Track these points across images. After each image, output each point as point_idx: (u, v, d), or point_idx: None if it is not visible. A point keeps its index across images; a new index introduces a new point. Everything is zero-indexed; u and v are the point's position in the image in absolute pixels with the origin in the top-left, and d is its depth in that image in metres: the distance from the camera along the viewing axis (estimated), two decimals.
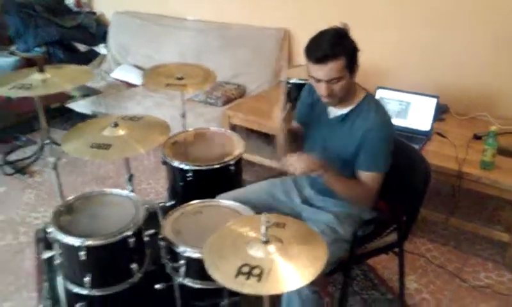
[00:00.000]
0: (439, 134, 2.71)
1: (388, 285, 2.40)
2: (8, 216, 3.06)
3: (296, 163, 1.70)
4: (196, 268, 1.77)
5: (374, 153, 1.77)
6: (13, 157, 3.71)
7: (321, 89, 1.72)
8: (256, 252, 1.37)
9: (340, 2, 3.07)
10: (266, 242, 1.40)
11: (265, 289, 1.27)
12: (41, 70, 2.04)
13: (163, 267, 1.89)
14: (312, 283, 1.67)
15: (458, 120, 2.91)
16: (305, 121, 2.01)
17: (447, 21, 2.95)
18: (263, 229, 1.40)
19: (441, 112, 2.89)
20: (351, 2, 3.01)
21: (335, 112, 1.87)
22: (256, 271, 1.30)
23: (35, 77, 2.02)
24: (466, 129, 2.76)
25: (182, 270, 1.78)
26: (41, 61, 2.12)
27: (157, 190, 3.27)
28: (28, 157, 3.66)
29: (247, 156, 3.03)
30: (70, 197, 1.96)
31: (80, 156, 2.21)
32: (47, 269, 2.17)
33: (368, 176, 1.80)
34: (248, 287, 1.26)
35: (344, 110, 1.83)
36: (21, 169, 3.53)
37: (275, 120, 1.86)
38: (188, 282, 1.80)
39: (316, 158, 1.74)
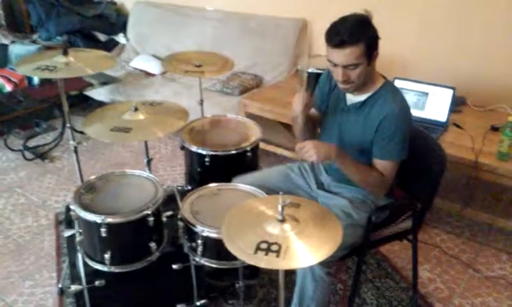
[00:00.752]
0: (456, 125, 2.71)
1: (401, 274, 2.42)
2: (29, 199, 3.14)
3: (311, 150, 1.71)
4: (213, 248, 1.82)
5: (389, 141, 1.78)
6: (33, 142, 3.80)
7: (338, 75, 1.74)
8: (273, 230, 1.41)
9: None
10: (282, 221, 1.43)
11: (284, 264, 1.31)
12: (66, 54, 2.09)
13: (181, 248, 1.94)
14: (326, 265, 1.74)
15: (475, 112, 2.90)
16: (322, 107, 2.03)
17: (466, 13, 2.95)
18: (279, 208, 1.43)
19: (458, 104, 2.88)
20: None
21: (352, 99, 1.88)
22: (274, 247, 1.34)
23: (59, 59, 2.07)
24: (483, 120, 2.75)
25: (200, 249, 1.82)
26: (66, 45, 2.17)
27: (174, 177, 3.32)
28: (48, 143, 3.74)
29: (263, 145, 3.06)
30: (91, 177, 2.01)
31: (101, 138, 2.28)
32: (68, 247, 2.22)
33: (382, 164, 1.81)
34: (267, 262, 1.30)
35: (362, 98, 1.84)
36: (41, 154, 3.61)
37: (293, 108, 1.87)
38: (205, 262, 1.85)
39: (331, 144, 1.77)
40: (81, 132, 2.64)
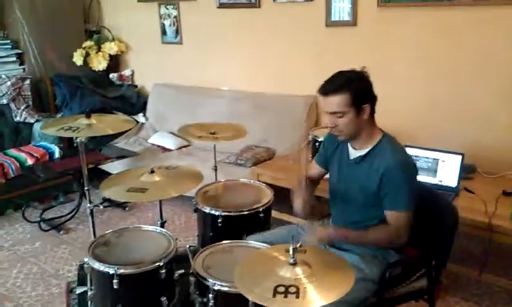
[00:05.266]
0: (467, 190, 2.72)
1: None
2: (42, 268, 3.14)
3: (310, 237, 1.81)
4: (225, 302, 1.80)
5: (395, 192, 1.82)
6: (50, 214, 3.87)
7: (327, 121, 1.86)
8: (286, 273, 1.42)
9: (367, 66, 3.24)
10: (294, 264, 1.44)
11: (305, 304, 1.32)
12: (88, 117, 2.23)
13: (192, 305, 1.92)
14: None
15: (486, 178, 2.91)
16: (327, 163, 2.11)
17: (471, 82, 3.07)
18: (291, 250, 1.45)
19: (468, 171, 2.91)
20: (377, 65, 3.17)
21: (354, 153, 1.95)
22: (292, 289, 1.36)
23: (82, 121, 2.21)
24: (494, 186, 2.76)
25: (211, 304, 1.80)
26: (89, 112, 2.32)
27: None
28: (65, 215, 3.80)
29: (275, 213, 3.08)
30: (106, 232, 2.04)
31: (118, 199, 2.34)
32: (78, 305, 2.20)
33: (391, 215, 1.84)
34: (289, 304, 1.32)
35: (363, 152, 1.91)
36: (57, 225, 3.66)
37: (295, 209, 1.97)
38: None
39: (334, 230, 1.88)
40: (97, 206, 2.73)
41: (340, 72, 1.84)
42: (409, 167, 1.86)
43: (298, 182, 2.01)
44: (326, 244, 1.86)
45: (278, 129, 3.87)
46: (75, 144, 2.29)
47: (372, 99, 1.84)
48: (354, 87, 1.79)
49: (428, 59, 3.22)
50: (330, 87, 1.79)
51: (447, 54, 3.14)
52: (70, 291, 2.87)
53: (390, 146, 1.87)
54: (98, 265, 1.80)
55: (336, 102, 1.78)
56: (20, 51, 4.62)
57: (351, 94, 1.77)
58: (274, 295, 1.34)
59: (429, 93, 3.26)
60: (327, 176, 2.15)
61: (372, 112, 1.87)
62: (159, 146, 4.34)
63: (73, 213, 3.78)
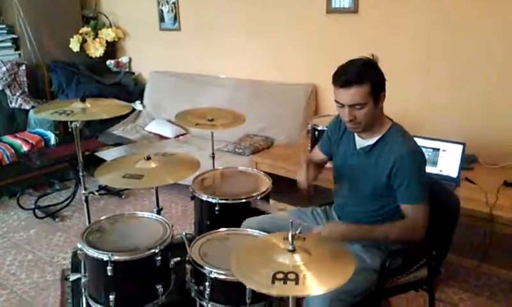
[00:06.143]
0: (468, 180, 2.68)
1: None
2: (36, 256, 3.11)
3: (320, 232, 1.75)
4: (222, 291, 1.76)
5: (409, 183, 1.75)
6: (45, 201, 3.83)
7: (344, 115, 1.76)
8: (285, 260, 1.38)
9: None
10: (293, 251, 1.40)
11: (305, 290, 1.29)
12: (83, 101, 2.17)
13: (188, 294, 1.88)
14: None
15: (487, 169, 2.88)
16: (331, 152, 2.05)
17: (473, 71, 3.04)
18: (289, 237, 1.41)
19: (469, 162, 2.88)
20: (379, 52, 3.09)
21: (361, 143, 1.89)
22: (291, 276, 1.32)
23: (77, 105, 2.16)
24: (495, 176, 2.73)
25: (207, 292, 1.76)
26: (84, 96, 2.27)
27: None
28: (60, 202, 3.76)
29: (274, 203, 3.04)
30: (101, 218, 2.00)
31: (113, 185, 2.29)
32: (72, 293, 2.17)
33: (410, 209, 1.77)
34: (288, 290, 1.29)
35: (371, 141, 1.85)
36: (53, 213, 3.62)
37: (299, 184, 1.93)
38: (213, 306, 1.78)
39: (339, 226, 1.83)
40: (93, 193, 2.69)
41: (352, 62, 1.75)
42: (421, 156, 1.80)
43: (299, 163, 1.97)
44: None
45: (277, 118, 3.82)
46: (69, 130, 2.24)
47: (385, 87, 1.78)
48: (373, 77, 1.72)
49: (430, 47, 3.17)
50: (351, 77, 1.69)
51: (449, 43, 3.09)
52: (64, 278, 2.84)
53: (400, 135, 1.81)
54: (91, 252, 1.76)
55: (357, 93, 1.70)
56: (15, 36, 4.55)
57: (370, 84, 1.70)
58: (273, 282, 1.30)
59: (431, 82, 3.22)
60: (329, 165, 2.12)
61: (383, 101, 1.81)
62: (156, 134, 4.30)
63: (68, 200, 3.74)
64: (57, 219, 3.58)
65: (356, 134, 1.90)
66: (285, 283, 1.30)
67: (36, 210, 3.64)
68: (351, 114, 1.75)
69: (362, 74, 1.70)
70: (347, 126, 1.83)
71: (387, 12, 3.29)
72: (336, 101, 1.78)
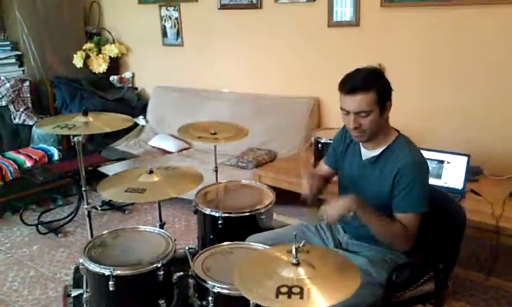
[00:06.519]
0: (474, 192, 2.66)
1: None
2: (39, 272, 3.09)
3: (331, 210, 1.72)
4: (225, 305, 1.74)
5: (408, 193, 1.75)
6: (48, 217, 3.81)
7: (350, 122, 1.76)
8: (289, 274, 1.36)
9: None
10: (297, 264, 1.38)
11: (310, 304, 1.27)
12: (85, 115, 2.17)
13: None
14: None
15: (492, 181, 2.86)
16: (337, 165, 2.04)
17: (477, 82, 3.03)
18: (293, 250, 1.39)
19: (474, 173, 2.86)
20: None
21: (367, 154, 1.88)
22: (295, 290, 1.30)
23: (79, 119, 2.16)
24: (501, 188, 2.71)
25: None
26: (86, 109, 2.27)
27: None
28: (63, 218, 3.74)
29: (277, 216, 3.02)
30: (103, 232, 1.99)
31: (115, 199, 2.28)
32: None
33: (404, 217, 1.76)
34: (293, 304, 1.27)
35: (377, 152, 1.84)
36: (55, 229, 3.61)
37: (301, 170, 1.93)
38: None
39: (351, 196, 1.75)
40: (95, 208, 2.68)
41: (358, 70, 1.76)
42: (425, 168, 1.80)
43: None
44: (348, 212, 1.72)
45: (280, 131, 3.82)
46: (72, 144, 2.23)
47: (391, 96, 1.78)
48: (379, 85, 1.73)
49: (432, 59, 3.17)
50: (358, 84, 1.70)
51: (451, 53, 3.09)
52: (67, 295, 2.81)
53: (406, 146, 1.80)
54: (93, 266, 1.74)
55: (363, 100, 1.70)
56: (19, 52, 4.58)
57: (377, 92, 1.70)
58: (277, 296, 1.28)
59: (433, 94, 3.22)
60: (335, 178, 2.10)
61: (389, 112, 1.81)
62: (159, 148, 4.29)
63: (71, 216, 3.72)
64: (60, 235, 3.56)
65: (361, 145, 1.89)
66: (289, 296, 1.28)
67: (39, 226, 3.62)
68: (356, 121, 1.74)
69: (368, 82, 1.71)
70: (351, 135, 1.83)
71: (389, 25, 3.30)
72: (341, 108, 1.78)
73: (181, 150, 4.22)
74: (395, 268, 1.82)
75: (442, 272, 1.91)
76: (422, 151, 2.73)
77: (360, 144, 1.90)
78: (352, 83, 1.71)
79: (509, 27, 2.86)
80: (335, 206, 1.74)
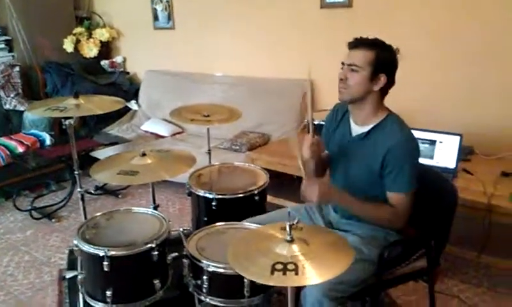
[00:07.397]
0: (466, 171, 2.68)
1: None
2: (33, 257, 3.09)
3: (310, 193, 1.72)
4: (220, 284, 1.75)
5: (398, 173, 1.76)
6: (42, 202, 3.80)
7: (340, 73, 1.80)
8: (283, 251, 1.37)
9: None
10: (291, 241, 1.39)
11: (306, 280, 1.28)
12: (76, 97, 2.16)
13: (186, 289, 1.86)
14: (339, 302, 1.65)
15: (484, 160, 2.88)
16: (329, 144, 2.04)
17: (469, 63, 3.03)
18: (287, 227, 1.40)
19: (466, 153, 2.87)
20: None
21: (357, 130, 1.89)
22: (290, 266, 1.31)
23: (70, 101, 2.14)
24: (493, 167, 2.72)
25: (205, 287, 1.75)
26: (77, 92, 2.25)
27: None
28: (56, 203, 3.74)
29: (270, 198, 3.03)
30: (96, 214, 1.99)
31: (108, 182, 2.27)
32: (69, 292, 2.15)
33: (394, 197, 1.78)
34: (289, 281, 1.28)
35: (366, 128, 1.85)
36: (49, 214, 3.60)
37: (303, 153, 1.88)
38: (211, 300, 1.76)
39: (332, 187, 1.77)
40: (89, 192, 2.67)
41: (375, 38, 1.81)
42: (415, 146, 1.81)
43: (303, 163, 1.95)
44: (326, 203, 1.76)
45: (273, 114, 3.81)
46: (64, 127, 2.21)
47: (390, 75, 1.79)
48: (381, 52, 1.76)
49: (426, 41, 3.16)
50: (362, 41, 1.77)
51: (444, 34, 3.09)
52: (62, 278, 2.81)
53: (397, 125, 1.81)
54: (87, 247, 1.74)
55: (358, 55, 1.75)
56: (8, 37, 4.53)
57: (374, 55, 1.74)
58: (272, 272, 1.29)
59: (426, 75, 3.21)
60: None
61: (384, 92, 1.82)
62: (152, 132, 4.28)
63: (65, 201, 3.71)
64: (53, 220, 3.55)
65: (351, 121, 1.89)
66: (284, 273, 1.29)
67: (33, 211, 3.61)
68: (344, 72, 1.79)
69: (373, 43, 1.76)
70: (338, 89, 1.82)
71: (382, 6, 3.29)
72: (342, 63, 1.81)
73: (174, 134, 4.21)
74: (386, 246, 1.84)
75: (434, 250, 1.93)
76: (414, 131, 2.75)
77: (350, 120, 1.90)
78: (358, 40, 1.78)
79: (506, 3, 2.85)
80: (317, 192, 1.71)
